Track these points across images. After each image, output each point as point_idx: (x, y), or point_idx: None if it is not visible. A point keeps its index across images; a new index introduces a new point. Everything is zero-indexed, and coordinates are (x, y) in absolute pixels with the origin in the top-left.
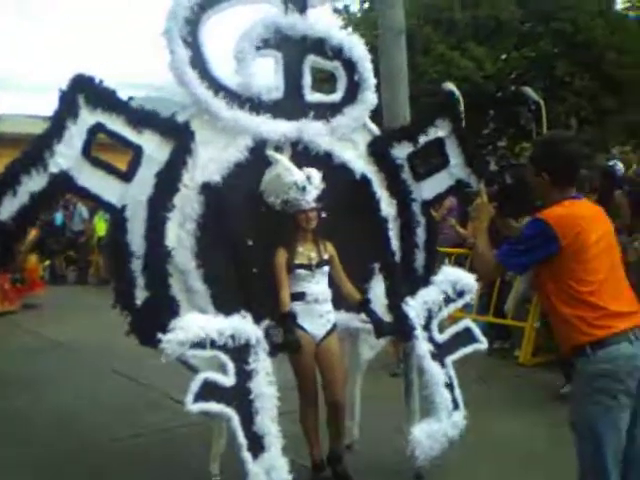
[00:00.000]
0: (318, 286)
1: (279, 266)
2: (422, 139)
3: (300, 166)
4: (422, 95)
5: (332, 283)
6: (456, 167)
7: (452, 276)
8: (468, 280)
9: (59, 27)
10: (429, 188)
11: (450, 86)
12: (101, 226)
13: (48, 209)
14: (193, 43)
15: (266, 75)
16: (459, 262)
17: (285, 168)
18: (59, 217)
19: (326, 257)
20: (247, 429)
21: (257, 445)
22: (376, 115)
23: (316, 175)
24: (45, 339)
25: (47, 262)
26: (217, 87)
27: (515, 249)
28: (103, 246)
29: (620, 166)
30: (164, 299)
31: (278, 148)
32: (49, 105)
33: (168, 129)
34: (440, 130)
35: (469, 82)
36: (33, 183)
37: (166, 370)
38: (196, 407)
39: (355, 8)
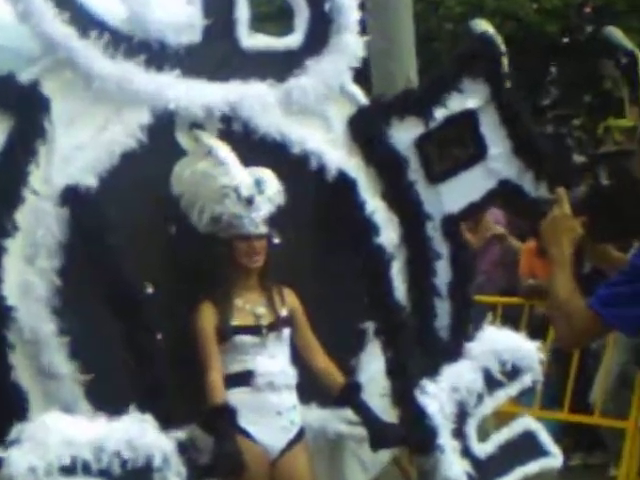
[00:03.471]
0: (273, 362)
1: (203, 331)
2: (440, 113)
3: (239, 159)
4: (437, 41)
5: (297, 357)
6: (499, 159)
7: (499, 343)
8: (527, 350)
9: None
10: (454, 195)
11: (485, 26)
12: None
13: None
14: None
15: (173, 4)
16: (511, 319)
17: (219, 161)
18: None
19: (284, 314)
20: None
21: None
22: (362, 75)
23: (270, 179)
24: None
25: None
26: (87, 22)
27: (621, 293)
28: None
29: None
30: (1, 388)
31: (196, 128)
32: None
33: (1, 97)
34: (470, 98)
35: (517, 20)
36: None
37: None
38: None
39: None
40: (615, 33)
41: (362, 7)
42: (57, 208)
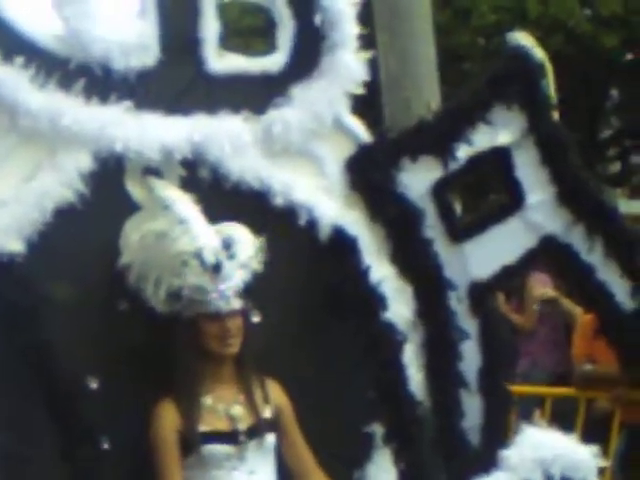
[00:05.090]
0: None
1: (162, 440)
2: (463, 151)
3: (205, 215)
4: (467, 60)
5: (285, 473)
6: (540, 209)
7: (545, 449)
8: (582, 457)
9: None
10: (484, 256)
11: (524, 38)
12: None
13: None
14: None
15: (121, 19)
16: (561, 415)
17: (177, 218)
18: None
19: (268, 415)
20: None
21: None
22: (368, 105)
23: (243, 239)
24: None
25: None
26: (11, 43)
27: None
28: None
29: None
30: None
31: (152, 174)
32: None
33: None
34: (502, 131)
35: (566, 31)
36: None
37: None
38: None
39: None
40: None
41: (367, 19)
42: None
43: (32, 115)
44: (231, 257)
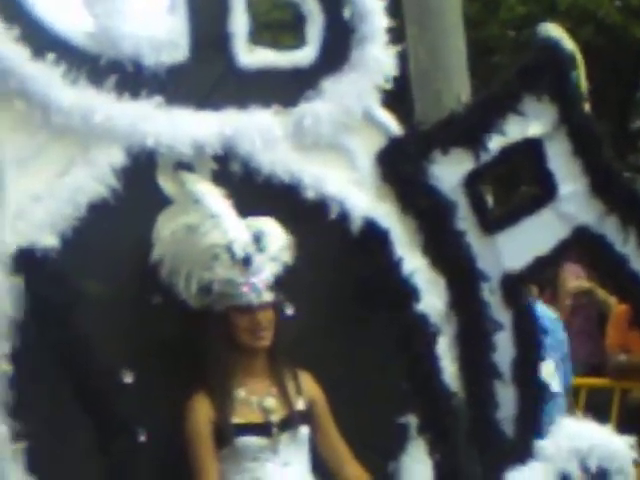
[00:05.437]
0: (287, 472)
1: (196, 432)
2: (494, 143)
3: (236, 208)
4: (497, 53)
5: (319, 464)
6: (573, 200)
7: (581, 440)
8: (617, 448)
9: None
10: (516, 247)
11: (554, 30)
12: None
13: None
14: None
15: (152, 15)
16: (599, 406)
17: (208, 212)
18: None
19: (301, 406)
20: None
21: None
22: (399, 98)
23: (273, 232)
24: None
25: None
26: (43, 40)
27: None
28: None
29: None
30: None
31: (183, 168)
32: None
33: None
34: (533, 122)
35: (596, 22)
36: None
37: None
38: None
39: None
40: None
41: (398, 13)
42: (8, 276)
43: (64, 112)
44: (261, 250)
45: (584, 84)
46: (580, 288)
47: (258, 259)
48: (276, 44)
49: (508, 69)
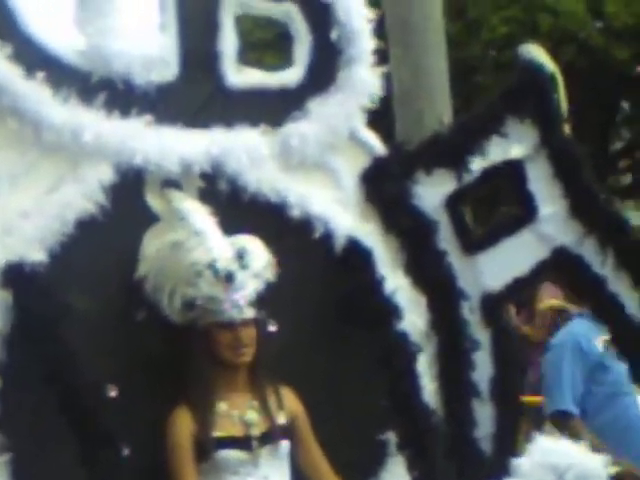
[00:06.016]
0: None
1: (178, 445)
2: (476, 164)
3: (222, 226)
4: (475, 71)
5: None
6: (552, 222)
7: (557, 456)
8: (592, 466)
9: None
10: (496, 268)
11: (536, 51)
12: None
13: None
14: None
15: (142, 34)
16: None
17: (192, 229)
18: None
19: (282, 421)
20: None
21: None
22: (381, 118)
23: (256, 249)
24: None
25: None
26: (34, 58)
27: None
28: None
29: None
30: None
31: (171, 186)
32: None
33: None
34: (515, 144)
35: (577, 43)
36: None
37: None
38: None
39: None
40: None
41: (381, 34)
42: None
43: (55, 129)
44: (244, 267)
45: (564, 105)
46: (554, 306)
47: (240, 276)
48: (259, 63)
49: (494, 91)
